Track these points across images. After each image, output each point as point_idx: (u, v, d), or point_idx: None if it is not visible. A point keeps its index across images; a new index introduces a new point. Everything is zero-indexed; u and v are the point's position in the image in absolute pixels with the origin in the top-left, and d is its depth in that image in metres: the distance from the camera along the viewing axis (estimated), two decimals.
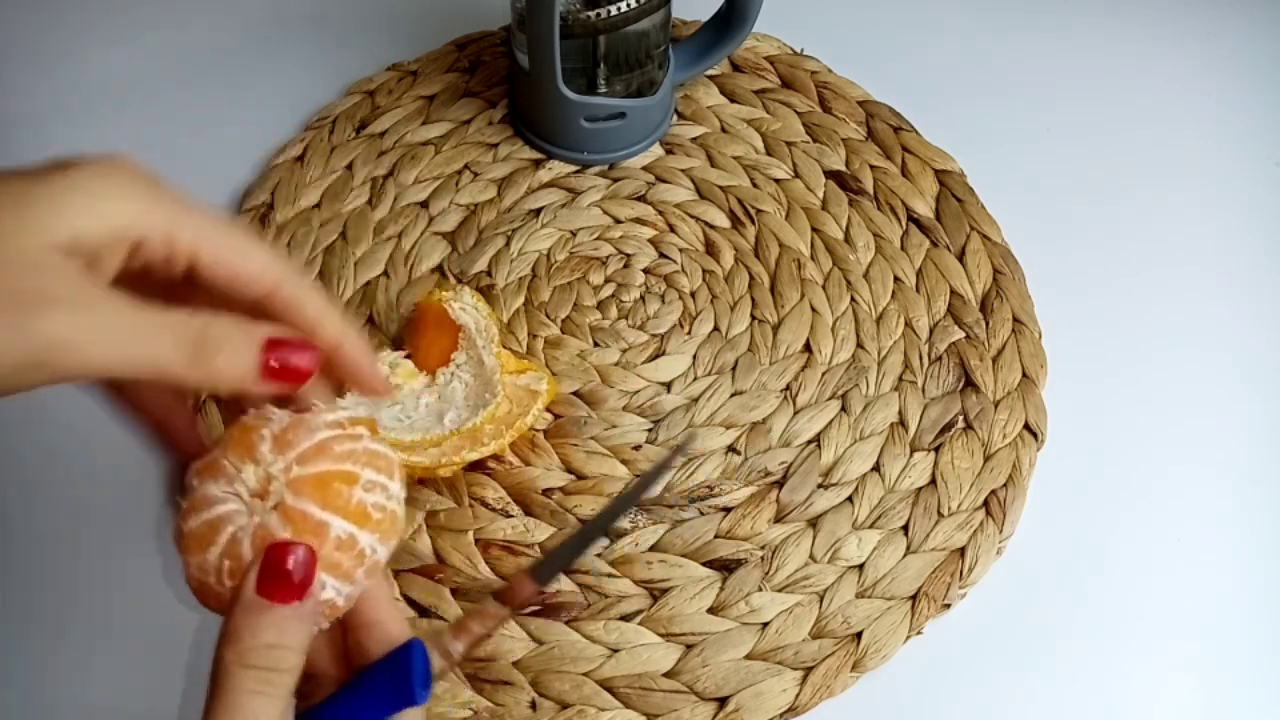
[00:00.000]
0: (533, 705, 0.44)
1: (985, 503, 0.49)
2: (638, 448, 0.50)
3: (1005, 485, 0.49)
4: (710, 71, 0.62)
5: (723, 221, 0.57)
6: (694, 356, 0.53)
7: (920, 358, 0.53)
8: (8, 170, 0.29)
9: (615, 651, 0.45)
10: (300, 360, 0.31)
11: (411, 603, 0.46)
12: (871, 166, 0.59)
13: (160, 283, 0.32)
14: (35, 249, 0.28)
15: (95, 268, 0.29)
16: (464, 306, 0.48)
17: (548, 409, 0.51)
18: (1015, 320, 0.54)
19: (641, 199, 0.58)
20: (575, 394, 0.52)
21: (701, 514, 0.48)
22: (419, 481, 0.48)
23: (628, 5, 0.52)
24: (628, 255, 0.56)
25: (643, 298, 0.55)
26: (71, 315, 0.28)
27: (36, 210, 0.29)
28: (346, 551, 0.29)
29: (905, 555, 0.47)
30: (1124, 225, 0.58)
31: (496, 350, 0.48)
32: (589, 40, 0.54)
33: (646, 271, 0.56)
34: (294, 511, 0.29)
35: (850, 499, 0.49)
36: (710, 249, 0.56)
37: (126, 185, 0.30)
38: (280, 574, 0.28)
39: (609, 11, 0.52)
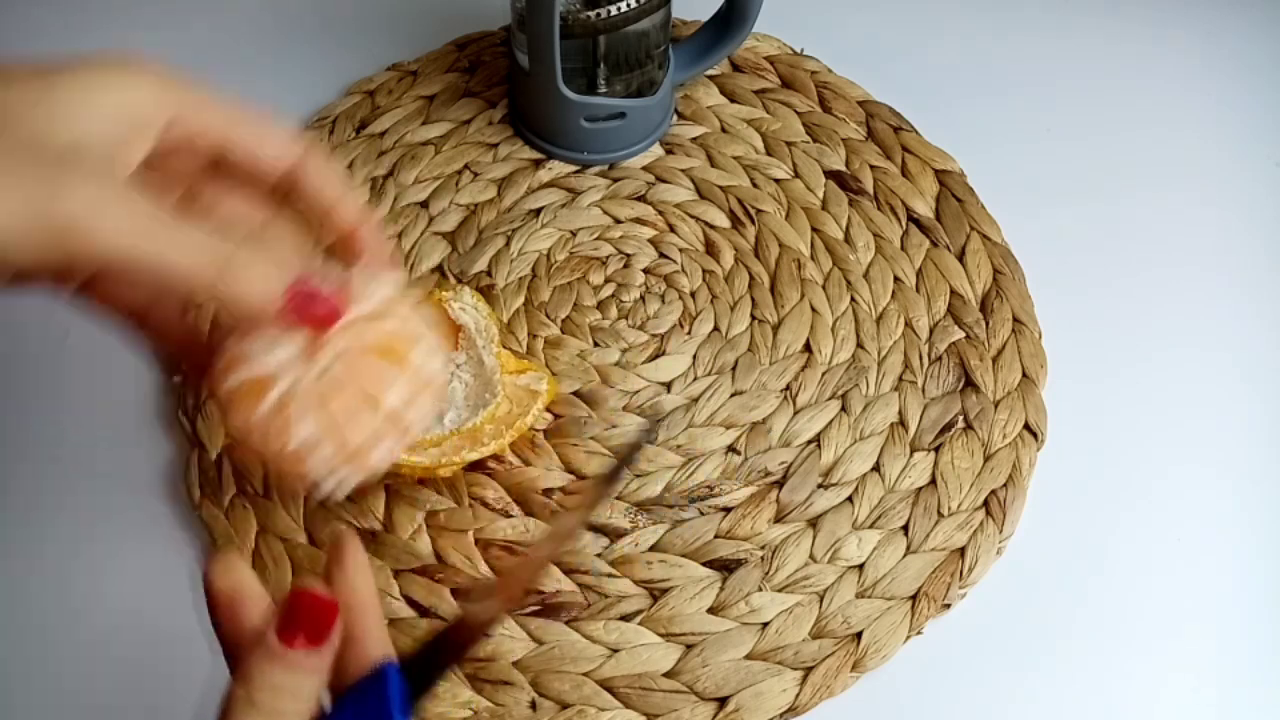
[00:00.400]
0: (533, 705, 0.44)
1: (985, 503, 0.49)
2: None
3: (1005, 485, 0.49)
4: (710, 72, 0.62)
5: (723, 221, 0.57)
6: (694, 356, 0.53)
7: (920, 358, 0.53)
8: (28, 65, 0.29)
9: (615, 651, 0.45)
10: (321, 309, 0.31)
11: (411, 603, 0.46)
12: (871, 166, 0.59)
13: (182, 178, 0.33)
14: (63, 133, 0.29)
15: (122, 156, 0.30)
16: (464, 306, 0.48)
17: (548, 409, 0.51)
18: (1015, 320, 0.54)
19: (641, 199, 0.58)
20: (575, 394, 0.52)
21: (701, 514, 0.48)
22: (419, 481, 0.48)
23: (627, 5, 0.52)
24: (628, 255, 0.56)
25: (643, 298, 0.55)
26: (98, 194, 0.28)
27: (62, 96, 0.29)
28: (400, 411, 0.31)
29: (905, 555, 0.47)
30: (1124, 225, 0.58)
31: (496, 350, 0.48)
32: (589, 40, 0.54)
33: (646, 271, 0.56)
34: (356, 364, 0.30)
35: (850, 499, 0.49)
36: (710, 249, 0.56)
37: (148, 75, 0.31)
38: (303, 623, 0.28)
39: (609, 11, 0.52)
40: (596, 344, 0.53)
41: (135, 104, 0.30)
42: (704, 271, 0.56)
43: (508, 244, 0.56)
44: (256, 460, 0.29)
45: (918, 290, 0.55)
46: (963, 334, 0.53)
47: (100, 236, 0.28)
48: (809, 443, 0.50)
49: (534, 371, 0.49)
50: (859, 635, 0.46)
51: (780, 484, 0.49)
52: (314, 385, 0.30)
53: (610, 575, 0.47)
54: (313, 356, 0.31)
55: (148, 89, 0.31)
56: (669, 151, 0.60)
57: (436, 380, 0.32)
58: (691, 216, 0.57)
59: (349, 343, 0.31)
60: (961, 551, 0.48)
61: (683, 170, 0.59)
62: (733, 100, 0.62)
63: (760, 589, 0.46)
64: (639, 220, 0.57)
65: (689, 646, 0.45)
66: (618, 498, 0.49)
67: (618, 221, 0.57)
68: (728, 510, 0.48)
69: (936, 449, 0.50)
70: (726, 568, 0.47)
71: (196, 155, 0.33)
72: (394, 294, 0.33)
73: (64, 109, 0.29)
